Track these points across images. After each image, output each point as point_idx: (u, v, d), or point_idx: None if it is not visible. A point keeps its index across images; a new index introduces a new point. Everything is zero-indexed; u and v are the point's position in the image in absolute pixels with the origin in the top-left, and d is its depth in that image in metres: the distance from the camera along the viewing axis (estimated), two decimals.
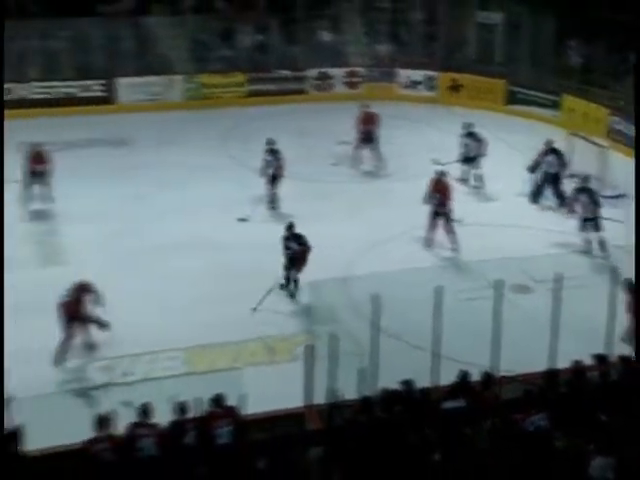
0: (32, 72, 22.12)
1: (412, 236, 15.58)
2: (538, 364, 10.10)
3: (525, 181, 17.43)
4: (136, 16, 23.00)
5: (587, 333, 11.14)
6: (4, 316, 10.80)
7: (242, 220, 16.25)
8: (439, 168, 16.19)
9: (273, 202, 16.80)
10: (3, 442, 8.15)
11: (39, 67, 22.17)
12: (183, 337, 12.34)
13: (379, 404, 9.05)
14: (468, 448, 8.54)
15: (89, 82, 22.17)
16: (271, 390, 10.61)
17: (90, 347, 12.12)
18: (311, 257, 13.58)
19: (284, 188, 16.84)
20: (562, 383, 9.49)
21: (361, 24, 24.60)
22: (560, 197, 16.94)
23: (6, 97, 21.29)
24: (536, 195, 17.22)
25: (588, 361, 9.80)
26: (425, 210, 15.45)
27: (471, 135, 18.16)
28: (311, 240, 13.56)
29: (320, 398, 9.62)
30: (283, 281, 13.55)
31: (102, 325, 12.10)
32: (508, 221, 16.30)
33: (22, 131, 18.31)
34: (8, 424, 8.51)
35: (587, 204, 15.24)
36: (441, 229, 15.37)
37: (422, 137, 20.93)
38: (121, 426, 8.79)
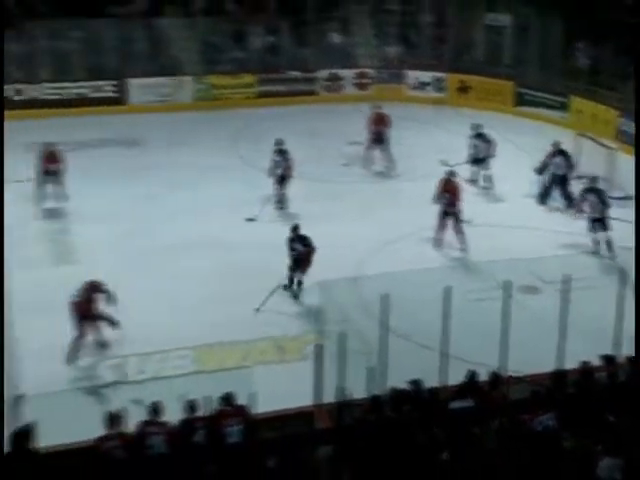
0: (44, 73, 22.29)
1: (421, 236, 15.63)
2: (546, 364, 10.11)
3: (533, 182, 17.47)
4: (148, 18, 23.15)
5: (595, 334, 11.15)
6: (9, 315, 10.85)
7: (250, 220, 16.32)
8: (448, 168, 16.27)
9: (281, 202, 16.86)
10: (16, 439, 8.18)
11: (51, 68, 22.34)
12: (193, 336, 12.40)
13: (388, 403, 9.09)
14: (476, 448, 8.54)
15: (100, 83, 22.34)
16: (281, 389, 10.62)
17: (102, 345, 12.20)
18: (322, 257, 13.64)
19: (294, 188, 16.91)
20: (570, 384, 9.49)
21: (371, 26, 24.70)
22: (568, 198, 16.97)
23: (18, 97, 21.55)
24: (544, 196, 17.25)
25: (596, 362, 9.80)
26: (434, 211, 15.51)
27: (480, 136, 18.20)
28: (321, 240, 13.63)
29: (329, 397, 9.67)
30: (286, 282, 13.60)
31: (112, 323, 12.18)
32: (516, 222, 16.33)
33: (34, 131, 18.47)
34: (20, 421, 8.58)
35: (595, 204, 15.27)
36: (450, 229, 15.43)
37: (430, 138, 20.97)
38: (132, 424, 8.83)
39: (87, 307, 11.93)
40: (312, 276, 13.39)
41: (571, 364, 9.87)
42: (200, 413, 8.92)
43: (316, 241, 13.98)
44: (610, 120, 20.65)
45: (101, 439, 8.62)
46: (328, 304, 10.37)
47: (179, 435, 8.83)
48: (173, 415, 8.93)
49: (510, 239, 15.62)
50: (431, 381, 9.56)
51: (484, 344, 10.80)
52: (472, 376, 9.53)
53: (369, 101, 20.85)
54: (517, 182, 17.99)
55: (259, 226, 16.04)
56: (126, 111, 22.06)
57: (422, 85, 24.12)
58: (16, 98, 21.56)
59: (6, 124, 19.25)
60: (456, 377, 9.67)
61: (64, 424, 9.17)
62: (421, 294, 11.73)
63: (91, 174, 17.84)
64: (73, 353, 11.82)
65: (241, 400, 9.09)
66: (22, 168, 16.96)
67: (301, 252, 13.55)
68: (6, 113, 20.30)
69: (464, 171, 17.56)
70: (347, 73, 24.11)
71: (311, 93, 23.82)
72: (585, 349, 10.13)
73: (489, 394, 9.46)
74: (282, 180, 16.89)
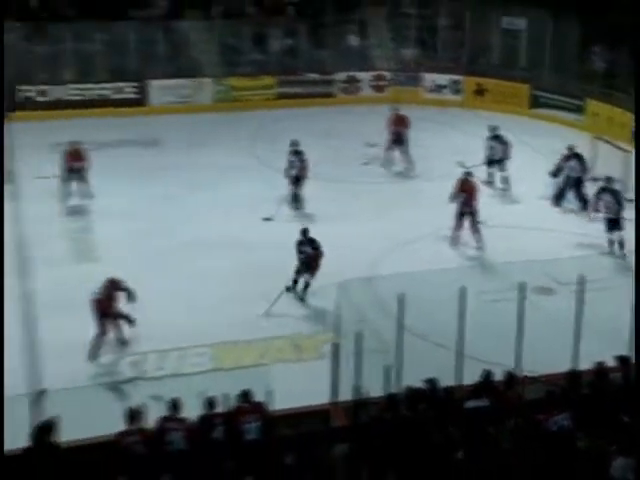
0: (67, 74, 22.55)
1: (439, 236, 15.73)
2: (561, 365, 10.15)
3: (548, 184, 17.53)
4: (168, 20, 23.37)
5: (610, 335, 11.21)
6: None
7: (267, 219, 16.43)
8: (465, 169, 16.37)
9: (297, 202, 16.97)
10: (38, 433, 8.31)
11: (74, 69, 22.59)
12: (211, 334, 12.51)
13: (404, 402, 9.16)
14: (491, 447, 8.58)
15: (122, 84, 22.55)
16: (298, 387, 10.71)
17: (122, 343, 12.36)
18: (339, 256, 13.78)
19: (311, 188, 17.02)
20: (585, 384, 9.53)
21: (388, 29, 24.79)
22: (582, 200, 17.03)
23: (42, 98, 21.81)
24: (558, 198, 17.33)
25: (611, 362, 9.83)
26: (451, 211, 15.61)
27: (496, 138, 18.26)
28: (339, 240, 13.72)
29: (346, 395, 9.77)
30: (290, 284, 13.64)
31: (130, 321, 12.33)
32: (532, 224, 16.39)
33: (57, 131, 18.71)
34: (42, 416, 8.71)
35: (611, 204, 15.34)
36: (467, 228, 15.53)
37: (447, 140, 21.03)
38: (151, 420, 8.93)
39: (108, 304, 12.09)
40: (329, 276, 13.49)
41: (586, 365, 9.92)
42: (218, 410, 9.01)
43: (333, 241, 14.10)
44: (626, 123, 20.60)
45: (121, 434, 8.73)
46: (345, 303, 10.45)
47: (198, 431, 8.93)
48: (192, 411, 9.03)
49: (526, 240, 15.68)
50: (447, 380, 9.62)
51: (499, 344, 10.86)
52: (487, 376, 9.58)
53: (386, 103, 20.94)
54: (533, 184, 18.04)
55: (276, 226, 16.15)
56: (147, 112, 22.26)
57: (439, 88, 24.19)
58: (40, 99, 21.87)
59: (30, 124, 19.73)
60: (471, 377, 9.73)
61: (85, 419, 9.31)
62: (437, 294, 11.79)
63: (112, 174, 18.03)
64: (94, 350, 11.99)
65: (259, 397, 9.18)
66: (47, 167, 17.22)
67: (309, 255, 13.62)
68: (30, 114, 20.85)
69: (480, 172, 17.63)
70: (364, 75, 24.21)
71: (329, 95, 23.93)
72: (600, 350, 10.16)
73: (504, 394, 9.50)
74: (297, 180, 17.01)
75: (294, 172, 17.02)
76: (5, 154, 17.23)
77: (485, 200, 16.37)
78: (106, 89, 22.46)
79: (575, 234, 15.95)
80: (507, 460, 8.46)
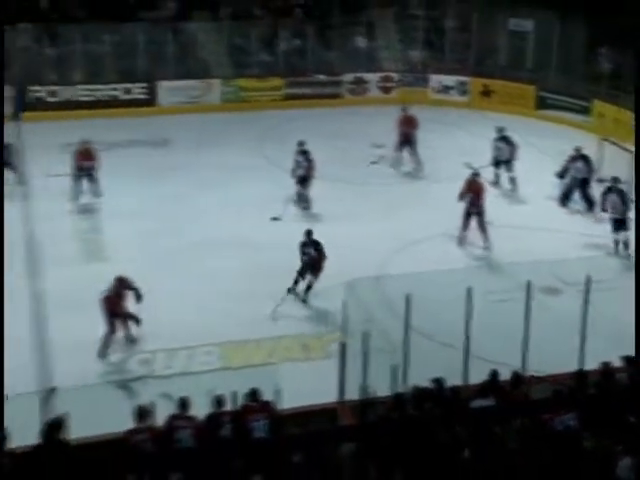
0: (78, 75, 22.65)
1: (446, 236, 15.79)
2: (567, 365, 10.20)
3: (555, 185, 17.58)
4: (177, 22, 23.47)
5: (616, 335, 11.24)
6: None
7: (275, 219, 16.50)
8: (472, 170, 16.43)
9: (303, 202, 17.04)
10: (48, 430, 8.37)
11: (84, 70, 22.67)
12: (219, 334, 12.58)
13: (410, 401, 9.21)
14: (497, 447, 8.61)
15: (131, 85, 22.64)
16: (305, 386, 10.76)
17: (130, 340, 12.44)
18: (347, 256, 13.86)
19: (319, 189, 17.07)
20: (591, 384, 9.55)
21: (395, 31, 24.84)
22: (588, 201, 17.09)
23: (53, 99, 22.00)
24: (565, 199, 17.39)
25: (617, 363, 9.87)
26: (458, 212, 15.66)
27: (503, 139, 18.30)
28: (346, 240, 13.74)
29: (353, 395, 9.82)
30: (292, 285, 13.68)
31: (136, 321, 12.40)
32: (538, 224, 16.43)
33: (67, 132, 18.80)
34: (52, 413, 8.78)
35: (617, 204, 15.40)
36: (474, 228, 15.59)
37: (454, 141, 21.07)
38: (160, 418, 8.98)
39: (116, 302, 12.17)
40: (337, 276, 13.54)
41: (592, 365, 9.96)
42: (227, 408, 9.07)
43: (341, 241, 14.15)
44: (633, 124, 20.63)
45: (131, 432, 8.80)
46: (352, 303, 10.51)
47: (206, 429, 8.99)
48: (201, 410, 9.09)
49: (532, 241, 15.72)
50: (453, 380, 9.66)
51: (506, 344, 10.93)
52: (494, 375, 9.63)
53: (393, 104, 20.99)
54: (539, 185, 18.07)
55: (284, 226, 16.20)
56: (156, 112, 22.35)
57: (446, 89, 24.23)
58: (51, 100, 22.00)
59: (41, 125, 19.89)
60: (478, 376, 9.78)
61: (94, 417, 9.38)
62: (444, 294, 11.85)
63: (122, 174, 18.11)
64: (104, 348, 12.08)
65: (267, 396, 9.24)
66: (57, 167, 17.35)
67: (312, 257, 13.67)
68: (41, 114, 21.01)
69: (487, 173, 17.68)
70: (372, 77, 24.25)
71: (336, 96, 23.97)
72: (606, 350, 10.21)
73: (510, 393, 9.55)
74: (304, 180, 17.07)
75: (301, 172, 17.08)
76: (16, 155, 17.50)
77: (492, 201, 16.41)
78: (115, 90, 22.55)
79: (582, 235, 16.00)
80: (513, 459, 8.48)
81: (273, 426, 9.13)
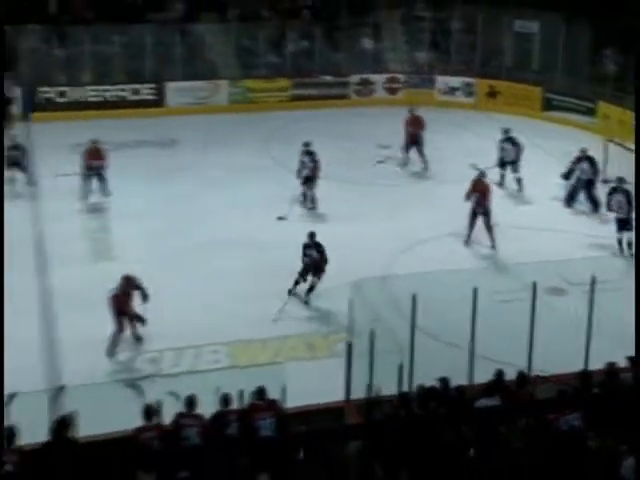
0: (86, 76, 22.75)
1: (451, 237, 15.84)
2: (572, 365, 10.23)
3: (560, 186, 17.62)
4: (185, 23, 23.55)
5: (621, 335, 11.23)
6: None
7: (281, 219, 16.56)
8: (478, 170, 16.48)
9: (309, 202, 17.09)
10: (56, 428, 8.43)
11: (93, 71, 22.77)
12: (226, 333, 12.64)
13: (416, 400, 9.25)
14: (502, 446, 8.63)
15: (139, 86, 22.74)
16: (311, 385, 10.82)
17: (137, 338, 12.51)
18: (353, 256, 13.92)
19: (328, 189, 17.13)
20: (596, 384, 9.57)
21: (401, 32, 24.89)
22: (593, 202, 17.14)
23: (62, 100, 22.12)
24: (570, 200, 17.44)
25: (622, 363, 9.89)
26: (464, 212, 15.72)
27: (509, 140, 18.34)
28: (352, 240, 13.75)
29: (359, 394, 9.87)
30: (292, 286, 13.70)
31: (141, 321, 12.47)
32: (544, 225, 16.47)
33: (76, 132, 18.89)
34: (61, 411, 8.83)
35: (623, 204, 15.45)
36: (480, 227, 15.65)
37: (460, 142, 21.11)
38: (168, 416, 9.03)
39: (124, 301, 12.24)
40: (343, 275, 13.58)
41: (597, 365, 9.98)
42: (233, 407, 9.12)
43: (347, 241, 14.19)
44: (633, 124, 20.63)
45: (139, 430, 8.85)
46: (358, 303, 10.56)
47: (213, 428, 9.03)
48: (207, 408, 9.14)
49: (538, 241, 15.76)
50: (458, 379, 9.70)
51: (511, 344, 10.95)
52: (499, 375, 9.66)
53: (399, 105, 21.06)
54: (545, 186, 18.10)
55: (290, 226, 16.25)
56: (164, 113, 22.44)
57: (452, 90, 24.27)
58: (60, 100, 22.10)
59: (50, 125, 20.01)
60: (483, 376, 9.83)
61: (103, 415, 9.41)
62: (450, 294, 11.89)
63: (130, 174, 18.19)
64: (112, 347, 12.15)
65: (273, 395, 9.29)
66: (66, 167, 17.45)
67: (314, 259, 13.71)
68: (50, 115, 21.15)
69: (493, 174, 17.72)
70: (378, 78, 24.30)
71: (343, 97, 24.03)
72: (611, 350, 10.23)
73: (516, 393, 9.57)
74: (309, 181, 17.13)
75: (306, 172, 17.15)
76: (26, 156, 17.62)
77: (498, 202, 16.45)
78: (124, 90, 22.64)
79: (587, 235, 16.04)
80: (518, 459, 8.50)
81: (279, 425, 9.17)
